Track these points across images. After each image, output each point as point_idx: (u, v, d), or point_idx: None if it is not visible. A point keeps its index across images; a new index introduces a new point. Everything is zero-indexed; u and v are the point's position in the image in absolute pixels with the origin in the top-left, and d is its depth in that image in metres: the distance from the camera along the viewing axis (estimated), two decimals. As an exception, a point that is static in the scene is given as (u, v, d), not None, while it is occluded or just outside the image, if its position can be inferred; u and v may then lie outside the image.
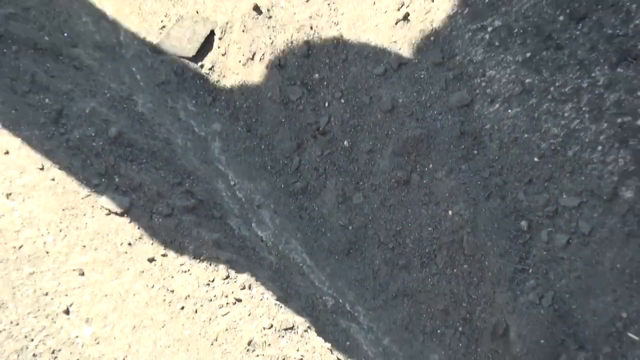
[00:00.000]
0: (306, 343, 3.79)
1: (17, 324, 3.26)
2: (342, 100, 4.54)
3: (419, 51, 4.36)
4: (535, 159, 3.89)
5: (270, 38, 4.76)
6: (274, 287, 3.98)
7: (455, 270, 4.14)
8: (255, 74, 4.81)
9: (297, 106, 4.64)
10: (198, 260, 3.90)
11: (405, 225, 4.34)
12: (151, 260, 3.73)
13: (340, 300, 4.26)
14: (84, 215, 3.79)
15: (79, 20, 4.89)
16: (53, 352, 3.30)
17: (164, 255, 3.80)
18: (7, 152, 3.91)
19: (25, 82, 4.20)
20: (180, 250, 3.89)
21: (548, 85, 3.92)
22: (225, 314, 3.70)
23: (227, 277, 3.88)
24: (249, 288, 3.88)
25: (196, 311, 3.64)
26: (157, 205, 4.02)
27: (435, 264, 4.21)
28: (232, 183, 4.58)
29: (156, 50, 4.84)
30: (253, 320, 3.74)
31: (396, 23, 4.41)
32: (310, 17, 4.65)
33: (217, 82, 4.94)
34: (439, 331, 4.11)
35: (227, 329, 3.65)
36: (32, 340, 3.25)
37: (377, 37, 4.49)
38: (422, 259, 4.26)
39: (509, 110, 4.04)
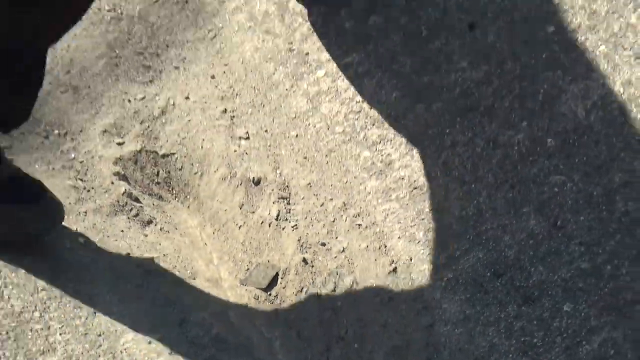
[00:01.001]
0: None
1: None
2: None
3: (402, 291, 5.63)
4: (473, 362, 5.25)
5: (311, 279, 6.21)
6: None
7: None
8: (303, 299, 6.24)
9: (330, 318, 5.77)
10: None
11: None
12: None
13: None
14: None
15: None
16: None
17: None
18: (149, 342, 5.75)
19: (160, 298, 5.55)
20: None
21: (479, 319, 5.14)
22: None
23: None
24: None
25: None
26: (238, 379, 5.50)
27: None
28: (284, 369, 5.66)
29: (243, 283, 6.37)
30: None
31: (389, 273, 5.83)
32: (337, 267, 6.19)
33: (279, 304, 6.32)
34: None
35: None
36: None
37: (379, 281, 5.76)
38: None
39: (456, 330, 5.33)
